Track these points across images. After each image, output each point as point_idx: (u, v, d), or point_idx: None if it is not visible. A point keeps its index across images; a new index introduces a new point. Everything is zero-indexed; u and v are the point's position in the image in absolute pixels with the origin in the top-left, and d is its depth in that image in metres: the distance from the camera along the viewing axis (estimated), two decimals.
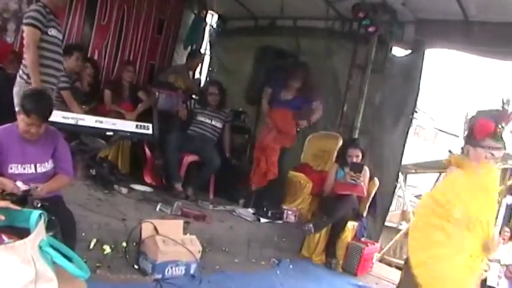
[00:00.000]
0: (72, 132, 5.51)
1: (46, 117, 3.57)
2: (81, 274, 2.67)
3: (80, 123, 5.60)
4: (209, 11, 10.18)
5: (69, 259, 2.75)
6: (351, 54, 7.54)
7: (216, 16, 10.21)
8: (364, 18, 7.11)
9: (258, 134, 7.27)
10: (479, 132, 3.32)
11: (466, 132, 3.42)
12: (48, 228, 2.81)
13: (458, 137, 11.21)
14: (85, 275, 2.71)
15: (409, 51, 7.19)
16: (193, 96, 8.03)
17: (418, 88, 6.97)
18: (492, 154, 3.32)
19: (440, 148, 12.81)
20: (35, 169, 3.65)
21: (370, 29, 7.09)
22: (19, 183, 3.33)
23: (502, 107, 3.31)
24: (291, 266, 5.77)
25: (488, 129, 3.29)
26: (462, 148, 3.45)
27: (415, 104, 7.08)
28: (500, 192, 13.33)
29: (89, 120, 5.73)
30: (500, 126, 3.29)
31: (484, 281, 9.24)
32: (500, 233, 11.32)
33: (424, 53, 7.02)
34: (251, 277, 5.16)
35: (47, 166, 3.72)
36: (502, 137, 3.34)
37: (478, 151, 3.34)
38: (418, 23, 7.07)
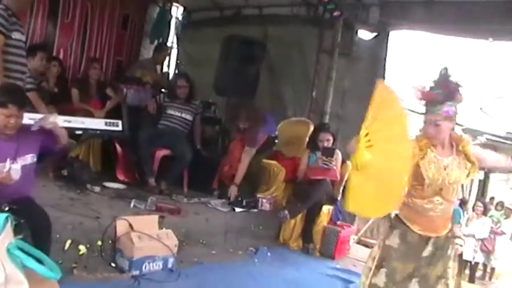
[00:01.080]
0: None
1: (23, 104, 3.60)
2: (52, 275, 2.66)
3: None
4: (174, 4, 10.13)
5: (40, 261, 2.73)
6: (318, 39, 7.57)
7: (181, 8, 10.16)
8: (328, 3, 7.14)
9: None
10: (420, 100, 3.35)
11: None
12: (17, 231, 2.79)
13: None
14: (56, 276, 2.69)
15: (375, 33, 7.24)
16: (162, 90, 7.99)
17: (384, 69, 7.03)
18: (426, 119, 3.35)
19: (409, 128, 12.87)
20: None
21: (335, 13, 7.14)
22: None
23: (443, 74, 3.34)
24: (268, 254, 5.78)
25: (424, 96, 3.32)
26: None
27: None
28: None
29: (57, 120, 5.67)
30: (437, 91, 3.31)
31: (460, 256, 9.42)
32: (473, 208, 11.55)
33: (388, 35, 7.07)
34: (229, 267, 5.17)
35: (27, 160, 3.70)
36: (436, 101, 3.29)
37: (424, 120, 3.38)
38: (382, 5, 7.12)
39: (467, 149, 3.38)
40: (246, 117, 6.62)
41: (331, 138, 6.46)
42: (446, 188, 3.35)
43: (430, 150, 3.37)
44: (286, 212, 6.11)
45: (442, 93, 3.27)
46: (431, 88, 3.30)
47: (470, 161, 3.37)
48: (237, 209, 6.20)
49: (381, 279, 3.44)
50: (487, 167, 3.69)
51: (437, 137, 3.34)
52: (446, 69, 3.34)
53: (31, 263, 2.62)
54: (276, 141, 7.06)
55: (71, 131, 5.76)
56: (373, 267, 3.48)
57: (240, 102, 7.26)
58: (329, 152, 6.27)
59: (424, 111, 3.32)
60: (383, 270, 3.45)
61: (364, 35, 7.42)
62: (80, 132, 5.88)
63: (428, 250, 3.43)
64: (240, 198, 6.34)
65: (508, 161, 3.50)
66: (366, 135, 3.02)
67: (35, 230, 3.32)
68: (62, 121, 5.60)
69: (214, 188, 6.87)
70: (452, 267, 3.48)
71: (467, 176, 3.41)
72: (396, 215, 3.55)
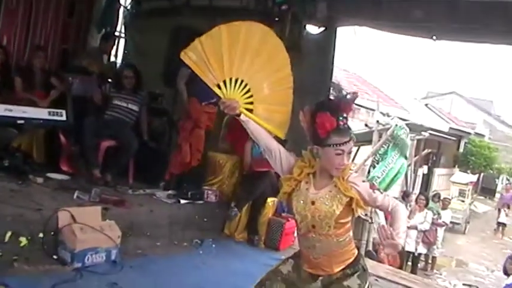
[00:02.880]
0: None
1: None
2: None
3: None
4: None
5: None
6: None
7: None
8: None
9: (179, 117, 7.23)
10: (321, 130, 2.87)
11: (310, 131, 2.96)
12: None
13: (374, 111, 11.55)
14: None
15: (323, 28, 7.31)
16: (109, 80, 7.88)
17: (332, 64, 7.11)
18: (341, 150, 2.87)
19: (358, 123, 13.15)
20: None
21: (283, 7, 7.17)
22: None
23: (337, 96, 2.97)
24: (213, 246, 5.82)
25: (330, 125, 2.87)
26: (311, 149, 3.02)
27: (331, 80, 7.21)
28: (416, 162, 13.90)
29: None
30: (341, 117, 2.89)
31: (402, 248, 9.65)
32: (416, 201, 11.86)
33: (336, 30, 7.15)
34: (174, 259, 5.19)
35: None
36: (346, 129, 2.91)
37: (326, 150, 2.90)
38: (329, 0, 7.17)
39: (343, 183, 2.93)
40: None
41: None
42: (319, 224, 2.93)
43: (305, 181, 3.02)
44: (236, 209, 6.16)
45: (347, 117, 2.93)
46: (335, 115, 2.88)
47: (346, 196, 2.92)
48: (182, 201, 6.21)
49: None
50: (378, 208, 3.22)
51: (344, 168, 2.94)
52: (339, 86, 3.04)
53: None
54: None
55: (11, 121, 5.72)
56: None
57: None
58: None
59: (330, 142, 2.86)
60: None
61: (312, 29, 7.49)
62: (22, 121, 5.79)
63: (316, 287, 3.05)
64: (185, 190, 6.33)
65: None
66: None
67: None
68: (2, 110, 5.55)
69: (167, 179, 6.83)
70: None
71: (353, 211, 2.97)
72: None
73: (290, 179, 3.05)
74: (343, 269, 3.03)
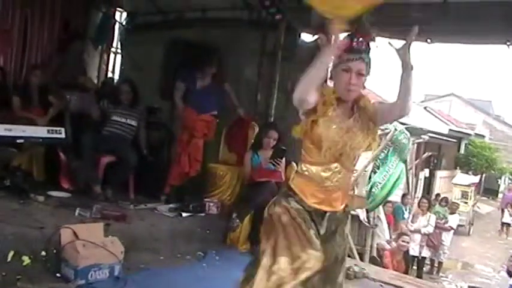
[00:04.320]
0: None
1: None
2: None
3: None
4: (117, 8, 10.05)
5: None
6: (261, 42, 7.62)
7: (124, 13, 10.09)
8: (270, 6, 7.20)
9: (177, 130, 7.26)
10: (337, 51, 2.91)
11: None
12: None
13: None
14: None
15: (317, 36, 7.32)
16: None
17: (327, 72, 7.12)
18: (348, 66, 2.94)
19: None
20: None
21: (277, 17, 7.19)
22: None
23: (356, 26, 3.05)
24: (217, 257, 5.78)
25: (344, 44, 2.94)
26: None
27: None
28: (417, 166, 13.89)
29: None
30: (355, 39, 2.99)
31: (406, 252, 9.64)
32: (418, 204, 11.84)
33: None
34: (177, 272, 5.15)
35: None
36: (359, 49, 3.00)
37: (336, 70, 2.98)
38: None
39: (369, 105, 3.04)
40: None
41: (277, 136, 6.53)
42: (347, 154, 2.97)
43: (332, 108, 2.98)
44: (238, 220, 6.16)
45: (364, 41, 3.03)
46: (350, 36, 2.98)
47: (372, 121, 3.00)
48: (184, 214, 6.21)
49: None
50: (384, 120, 3.16)
51: (356, 90, 2.99)
52: (365, 17, 3.12)
53: None
54: None
55: (11, 140, 5.74)
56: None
57: None
58: (280, 153, 6.33)
59: (342, 59, 2.95)
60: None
61: (307, 38, 7.51)
62: (21, 140, 5.81)
63: (322, 227, 3.05)
64: (186, 203, 6.34)
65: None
66: None
67: None
68: (2, 130, 5.57)
69: (166, 193, 6.84)
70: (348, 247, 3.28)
71: (368, 146, 3.03)
72: (289, 186, 3.12)
73: (312, 110, 2.96)
74: (344, 207, 3.10)
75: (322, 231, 3.04)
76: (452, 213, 13.35)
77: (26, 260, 4.33)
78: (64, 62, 8.65)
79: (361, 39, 3.00)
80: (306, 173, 3.05)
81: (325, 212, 3.04)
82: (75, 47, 8.86)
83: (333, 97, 2.97)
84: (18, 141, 5.86)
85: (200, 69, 6.85)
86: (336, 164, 2.98)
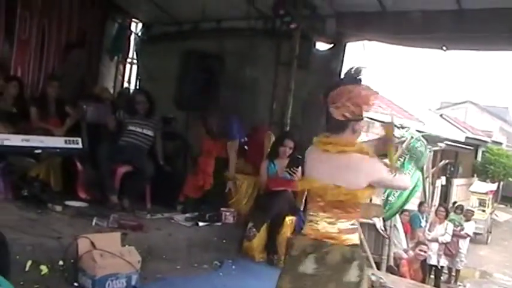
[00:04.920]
0: None
1: None
2: None
3: (6, 143, 5.54)
4: (133, 20, 10.13)
5: None
6: (276, 51, 7.65)
7: (140, 24, 10.16)
8: (285, 15, 7.22)
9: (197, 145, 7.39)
10: (365, 103, 3.04)
11: (344, 110, 3.00)
12: None
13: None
14: None
15: (331, 44, 7.34)
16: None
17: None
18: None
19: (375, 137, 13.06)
20: None
21: (292, 26, 7.20)
22: None
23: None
24: (233, 267, 5.78)
25: (372, 98, 3.06)
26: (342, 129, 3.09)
27: None
28: (433, 174, 13.81)
29: (15, 140, 5.68)
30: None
31: (423, 261, 9.56)
32: (436, 213, 11.75)
33: (345, 46, 7.18)
34: (194, 281, 5.16)
35: None
36: None
37: (360, 124, 3.12)
38: (338, 16, 7.21)
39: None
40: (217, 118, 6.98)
41: (293, 145, 6.53)
42: None
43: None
44: (254, 229, 6.16)
45: None
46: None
47: None
48: (200, 223, 6.21)
49: None
50: None
51: None
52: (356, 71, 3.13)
53: None
54: None
55: (29, 150, 5.79)
56: None
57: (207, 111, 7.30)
58: (296, 162, 6.31)
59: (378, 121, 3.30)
60: None
61: (322, 46, 7.52)
62: (39, 151, 5.86)
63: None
64: (202, 212, 6.34)
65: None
66: None
67: None
68: (20, 140, 5.63)
69: (181, 200, 6.85)
70: None
71: None
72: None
73: None
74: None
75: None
76: (467, 220, 13.25)
77: (44, 269, 4.36)
78: (64, 73, 8.67)
79: None
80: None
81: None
82: (73, 57, 8.90)
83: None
84: (35, 151, 5.91)
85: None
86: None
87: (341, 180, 3.04)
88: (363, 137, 3.34)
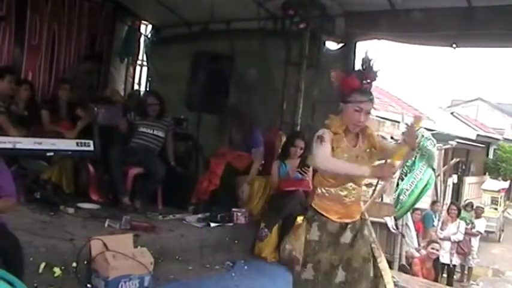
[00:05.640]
0: (11, 157, 5.40)
1: None
2: None
3: (18, 146, 5.55)
4: (142, 22, 10.16)
5: (12, 284, 2.74)
6: (285, 51, 7.63)
7: (149, 26, 10.19)
8: (294, 16, 7.22)
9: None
10: (346, 88, 3.57)
11: (339, 90, 3.66)
12: None
13: (399, 123, 11.48)
14: None
15: (341, 44, 7.33)
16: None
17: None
18: (360, 107, 3.52)
19: (384, 136, 13.05)
20: None
21: (301, 26, 7.19)
22: None
23: (364, 64, 3.62)
24: (245, 267, 5.79)
25: (354, 84, 3.54)
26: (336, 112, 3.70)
27: None
28: (445, 172, 13.76)
29: (27, 143, 5.70)
30: (365, 81, 3.56)
31: (436, 260, 9.54)
32: (448, 211, 11.71)
33: (355, 45, 7.17)
34: (206, 282, 5.17)
35: None
36: (368, 92, 3.58)
37: (347, 106, 3.55)
38: (347, 15, 7.20)
39: (373, 135, 3.72)
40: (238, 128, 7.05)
41: (303, 145, 6.53)
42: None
43: (342, 140, 3.60)
44: (266, 229, 6.18)
45: (370, 83, 3.59)
46: (360, 78, 3.56)
47: (375, 147, 3.67)
48: (212, 224, 6.21)
49: (309, 273, 3.64)
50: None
51: (361, 126, 3.60)
52: (367, 57, 3.62)
53: (1, 286, 2.63)
54: None
55: (41, 153, 5.83)
56: (300, 266, 3.72)
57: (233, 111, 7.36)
58: (308, 162, 6.32)
59: (351, 99, 3.52)
60: (309, 265, 3.65)
61: (331, 45, 7.51)
62: (51, 153, 5.89)
63: (347, 236, 3.65)
64: (214, 213, 6.35)
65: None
66: None
67: (5, 254, 3.33)
68: (32, 143, 5.66)
69: (193, 201, 6.85)
70: (376, 246, 3.76)
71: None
72: (313, 208, 3.73)
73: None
74: (360, 216, 3.75)
75: (347, 241, 3.64)
76: (477, 217, 13.20)
77: (57, 271, 4.39)
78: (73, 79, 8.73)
79: (368, 80, 3.58)
80: (327, 194, 3.66)
81: (347, 223, 3.66)
82: (84, 67, 8.95)
83: (341, 130, 3.59)
84: (47, 154, 5.93)
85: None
86: (350, 183, 3.61)
87: None
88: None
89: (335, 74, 3.69)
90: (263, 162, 7.08)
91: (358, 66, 3.74)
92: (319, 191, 3.69)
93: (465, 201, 16.64)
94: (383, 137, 3.95)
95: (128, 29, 9.91)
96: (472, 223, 12.55)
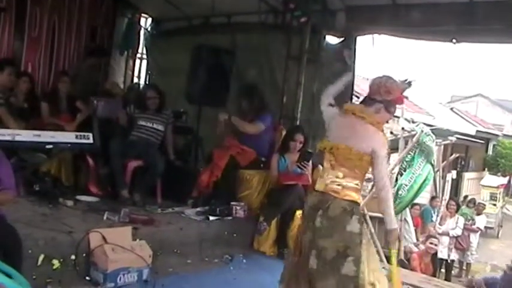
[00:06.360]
0: (10, 149, 5.38)
1: None
2: None
3: (17, 138, 5.55)
4: (142, 15, 10.14)
5: (11, 276, 2.74)
6: (286, 45, 7.62)
7: (150, 19, 10.17)
8: (295, 10, 7.21)
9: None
10: (398, 101, 3.88)
11: (383, 94, 3.82)
12: None
13: (399, 118, 11.47)
14: None
15: (342, 38, 7.32)
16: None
17: (353, 74, 7.13)
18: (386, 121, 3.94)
19: (386, 130, 13.00)
20: None
21: (302, 20, 7.19)
22: None
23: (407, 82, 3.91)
24: (244, 261, 5.80)
25: (403, 102, 3.95)
26: (369, 103, 3.88)
27: (352, 90, 7.21)
28: (444, 167, 13.76)
29: (27, 135, 5.69)
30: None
31: (434, 255, 9.54)
32: (446, 206, 11.71)
33: (356, 39, 7.17)
34: (205, 276, 5.18)
35: None
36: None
37: (386, 115, 3.89)
38: (348, 10, 7.19)
39: None
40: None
41: (303, 140, 6.53)
42: None
43: None
44: (265, 223, 6.18)
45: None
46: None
47: None
48: (211, 218, 6.21)
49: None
50: None
51: None
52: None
53: (0, 278, 2.63)
54: None
55: (40, 146, 5.82)
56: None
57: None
58: (307, 156, 6.32)
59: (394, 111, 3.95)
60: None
61: (332, 40, 7.50)
62: (50, 146, 5.89)
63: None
64: (213, 207, 6.35)
65: None
66: None
67: (4, 246, 3.33)
68: (31, 135, 5.66)
69: (194, 195, 6.84)
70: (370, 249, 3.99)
71: None
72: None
73: None
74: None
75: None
76: (478, 214, 13.22)
77: (56, 263, 4.40)
78: (76, 73, 8.71)
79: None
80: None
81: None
82: (88, 63, 8.94)
83: None
84: (47, 147, 5.92)
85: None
86: None
87: (353, 143, 3.74)
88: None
89: (395, 87, 3.85)
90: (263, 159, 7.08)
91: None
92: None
93: (464, 197, 16.65)
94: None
95: (128, 22, 9.88)
96: (473, 219, 12.57)
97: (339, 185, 3.73)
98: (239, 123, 6.89)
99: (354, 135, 3.78)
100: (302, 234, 3.82)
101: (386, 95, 3.80)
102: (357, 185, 3.80)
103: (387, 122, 3.98)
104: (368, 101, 3.88)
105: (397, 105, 3.86)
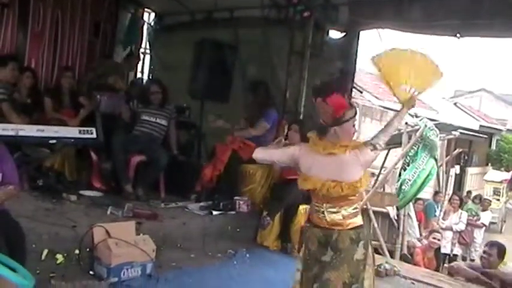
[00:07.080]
0: (13, 144, 5.39)
1: None
2: (26, 283, 2.67)
3: (21, 133, 5.56)
4: (145, 10, 10.13)
5: (15, 270, 2.75)
6: (289, 40, 7.60)
7: (152, 14, 10.17)
8: (298, 4, 7.20)
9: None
10: (338, 110, 3.35)
11: (323, 117, 3.43)
12: None
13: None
14: (30, 284, 2.71)
15: (344, 33, 7.31)
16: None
17: (355, 69, 7.12)
18: (354, 124, 3.50)
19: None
20: None
21: (305, 14, 7.18)
22: None
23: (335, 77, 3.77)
24: (247, 255, 5.80)
25: (344, 103, 3.39)
26: (323, 132, 3.46)
27: (353, 84, 7.21)
28: (447, 162, 13.74)
29: (30, 130, 5.70)
30: (345, 95, 3.51)
31: (437, 250, 9.54)
32: (450, 201, 11.71)
33: (359, 34, 7.15)
34: (208, 270, 5.19)
35: None
36: (352, 103, 3.65)
37: (344, 127, 3.41)
38: (351, 4, 7.17)
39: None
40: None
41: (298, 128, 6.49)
42: None
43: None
44: (269, 218, 6.18)
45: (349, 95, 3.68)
46: (343, 95, 3.45)
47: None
48: (215, 212, 6.23)
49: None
50: None
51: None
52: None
53: (4, 271, 2.64)
54: None
55: (43, 141, 5.83)
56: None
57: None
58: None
59: (346, 118, 3.40)
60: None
61: (335, 34, 7.49)
62: (53, 141, 5.90)
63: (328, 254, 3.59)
64: (216, 202, 6.36)
65: None
66: None
67: (8, 241, 3.34)
68: (34, 130, 5.67)
69: (197, 190, 6.86)
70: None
71: None
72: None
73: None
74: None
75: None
76: (484, 210, 13.21)
77: (60, 258, 4.42)
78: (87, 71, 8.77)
79: (345, 92, 3.59)
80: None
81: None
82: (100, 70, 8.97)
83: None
84: (50, 142, 5.93)
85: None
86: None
87: (340, 177, 3.41)
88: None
89: (321, 103, 3.40)
90: None
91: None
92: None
93: (468, 192, 16.64)
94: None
95: (131, 17, 9.88)
96: (478, 215, 12.57)
97: (339, 216, 3.47)
98: (243, 133, 6.95)
99: (335, 170, 3.42)
100: (306, 272, 3.58)
101: (325, 117, 3.41)
102: (356, 208, 3.54)
103: (354, 132, 3.54)
104: (322, 130, 3.49)
105: (346, 110, 3.39)
